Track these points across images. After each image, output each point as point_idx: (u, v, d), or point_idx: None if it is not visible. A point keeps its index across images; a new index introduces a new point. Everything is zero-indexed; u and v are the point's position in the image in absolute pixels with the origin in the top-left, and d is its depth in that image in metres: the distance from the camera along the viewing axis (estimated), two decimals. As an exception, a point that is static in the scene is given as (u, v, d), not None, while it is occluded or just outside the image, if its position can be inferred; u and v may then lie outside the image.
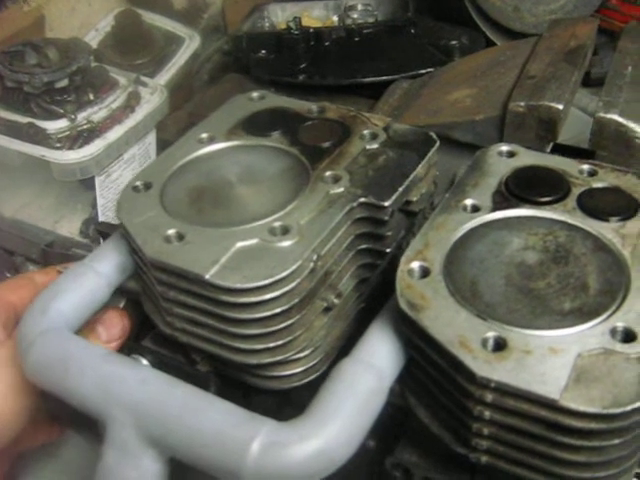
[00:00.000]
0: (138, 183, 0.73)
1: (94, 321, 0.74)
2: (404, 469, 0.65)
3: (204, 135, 0.78)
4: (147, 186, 0.73)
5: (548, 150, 0.95)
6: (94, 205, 1.28)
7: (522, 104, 0.93)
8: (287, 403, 0.72)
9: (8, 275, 1.27)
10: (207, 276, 0.62)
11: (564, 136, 0.98)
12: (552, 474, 0.55)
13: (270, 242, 0.64)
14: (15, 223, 1.33)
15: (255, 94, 0.85)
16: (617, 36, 1.47)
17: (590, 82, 1.33)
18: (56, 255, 1.25)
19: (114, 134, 1.20)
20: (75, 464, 1.01)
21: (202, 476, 0.66)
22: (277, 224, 0.66)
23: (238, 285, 0.61)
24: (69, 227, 1.32)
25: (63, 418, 0.88)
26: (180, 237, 0.66)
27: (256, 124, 0.80)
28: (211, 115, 0.83)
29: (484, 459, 0.58)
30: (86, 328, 0.73)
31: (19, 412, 0.71)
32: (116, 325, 0.75)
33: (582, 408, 0.51)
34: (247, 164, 0.75)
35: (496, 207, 0.67)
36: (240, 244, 0.64)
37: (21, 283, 0.82)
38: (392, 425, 0.67)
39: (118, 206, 0.71)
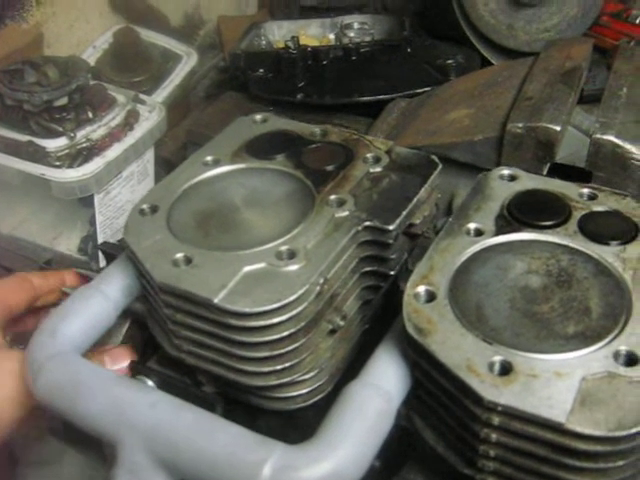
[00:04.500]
0: (144, 206, 0.74)
1: (102, 351, 0.75)
2: (410, 489, 0.66)
3: (209, 158, 0.79)
4: (153, 209, 0.74)
5: (546, 170, 0.97)
6: (92, 222, 1.28)
7: (520, 125, 0.94)
8: (291, 423, 0.73)
9: (7, 292, 1.27)
10: (216, 300, 0.62)
11: (559, 154, 0.99)
12: (558, 495, 0.56)
13: (277, 266, 0.65)
14: (13, 240, 1.32)
15: (258, 117, 0.86)
16: (609, 53, 1.50)
17: (583, 99, 1.35)
18: (54, 272, 1.24)
19: (113, 152, 1.20)
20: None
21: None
22: (284, 248, 0.67)
23: (247, 309, 0.62)
24: (67, 244, 1.32)
25: (59, 432, 0.88)
26: (188, 261, 0.67)
27: (260, 147, 0.81)
28: (215, 137, 0.84)
29: (490, 480, 0.59)
30: (93, 356, 0.74)
31: (14, 423, 0.72)
32: (124, 362, 0.75)
33: (587, 431, 0.52)
34: (252, 187, 0.76)
35: (499, 231, 0.68)
36: (247, 268, 0.65)
37: (18, 284, 0.82)
38: (397, 446, 0.67)
39: (125, 229, 0.72)
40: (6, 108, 1.18)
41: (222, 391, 0.72)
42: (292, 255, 0.66)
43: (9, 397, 0.72)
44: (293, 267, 0.65)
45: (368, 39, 1.42)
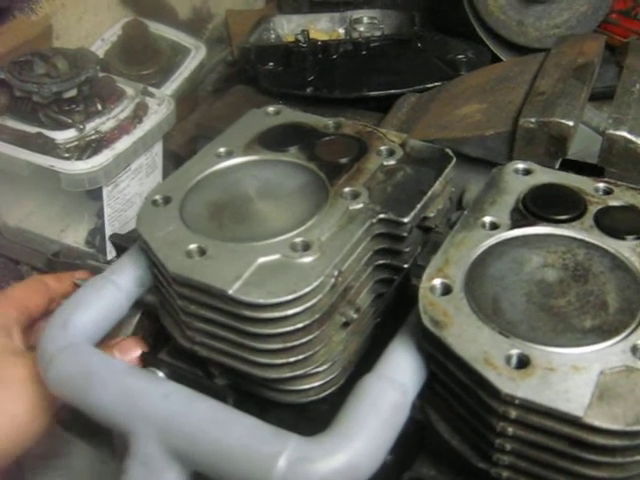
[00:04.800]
0: (157, 197, 0.74)
1: (111, 345, 0.75)
2: (422, 483, 0.66)
3: (222, 150, 0.79)
4: (166, 200, 0.73)
5: (557, 165, 0.96)
6: (100, 215, 1.28)
7: (533, 120, 0.94)
8: (303, 417, 0.73)
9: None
10: (230, 291, 0.62)
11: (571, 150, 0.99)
12: (573, 490, 0.56)
13: (292, 258, 0.65)
14: (20, 232, 1.33)
15: (271, 109, 0.86)
16: (618, 50, 1.49)
17: (592, 96, 1.35)
18: (62, 264, 1.24)
19: (122, 144, 1.20)
20: (83, 476, 1.02)
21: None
22: (298, 240, 0.66)
23: (261, 300, 0.62)
24: (75, 236, 1.32)
25: (69, 425, 0.88)
26: (202, 252, 0.67)
27: (273, 139, 0.80)
28: (227, 129, 0.83)
29: (505, 474, 0.59)
30: (103, 347, 0.73)
31: (33, 435, 0.71)
32: (133, 353, 0.75)
33: (606, 425, 0.52)
34: (265, 179, 0.76)
35: (514, 225, 0.68)
36: (262, 259, 0.65)
37: (35, 287, 0.82)
38: (409, 439, 0.67)
39: (138, 220, 0.72)
40: (15, 99, 1.18)
41: (234, 383, 0.72)
42: (307, 247, 0.66)
43: (28, 408, 0.71)
44: (308, 259, 0.65)
45: (378, 34, 1.42)
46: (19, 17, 1.34)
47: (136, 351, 0.75)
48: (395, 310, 0.75)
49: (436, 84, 1.23)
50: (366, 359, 0.72)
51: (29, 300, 0.79)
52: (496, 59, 1.41)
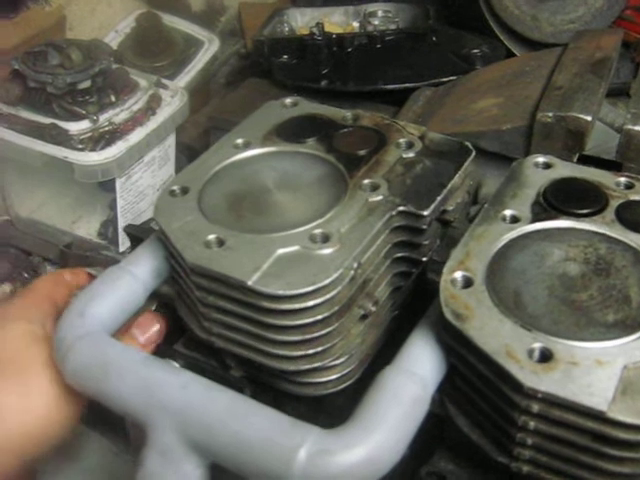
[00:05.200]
0: (175, 188, 0.73)
1: (129, 325, 0.74)
2: (440, 477, 0.66)
3: (240, 141, 0.79)
4: (184, 191, 0.73)
5: (574, 161, 0.96)
6: (112, 207, 1.28)
7: (550, 114, 0.94)
8: (320, 409, 0.72)
9: (26, 275, 1.27)
10: (249, 282, 0.62)
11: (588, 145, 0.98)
12: (595, 485, 0.56)
13: (311, 249, 0.65)
14: (32, 223, 1.32)
15: (288, 100, 0.85)
16: (633, 47, 1.48)
17: (607, 92, 1.34)
18: (74, 256, 1.24)
19: (136, 136, 1.19)
20: (95, 467, 1.02)
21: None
22: (318, 231, 0.66)
23: (280, 292, 0.61)
24: (87, 228, 1.32)
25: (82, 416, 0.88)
26: (220, 242, 0.66)
27: (291, 130, 0.80)
28: (244, 121, 0.83)
29: (525, 469, 0.58)
30: (122, 332, 0.73)
31: (63, 423, 0.70)
32: (152, 328, 0.75)
33: (630, 420, 0.51)
34: (284, 170, 0.75)
35: (535, 218, 0.67)
36: (281, 251, 0.65)
37: (57, 280, 0.82)
38: (427, 433, 0.67)
39: (156, 210, 0.72)
40: (29, 90, 1.18)
41: (250, 375, 0.72)
42: (326, 238, 0.65)
43: (58, 392, 0.69)
44: (327, 250, 0.64)
45: (393, 27, 1.42)
46: (33, 8, 1.34)
47: (155, 326, 0.75)
48: (412, 303, 0.75)
49: (451, 78, 1.23)
50: (382, 352, 0.72)
51: (55, 292, 0.79)
52: (510, 54, 1.40)
